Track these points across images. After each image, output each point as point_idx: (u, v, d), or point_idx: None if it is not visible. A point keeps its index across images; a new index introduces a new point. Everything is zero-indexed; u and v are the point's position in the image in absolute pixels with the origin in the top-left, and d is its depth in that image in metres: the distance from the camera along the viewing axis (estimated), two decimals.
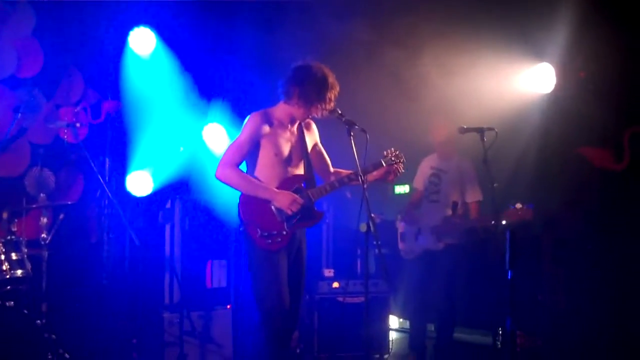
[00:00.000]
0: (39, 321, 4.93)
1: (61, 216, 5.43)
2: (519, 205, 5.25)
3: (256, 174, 4.51)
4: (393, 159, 4.63)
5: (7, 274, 5.01)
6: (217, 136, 6.76)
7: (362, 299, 5.58)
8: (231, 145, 4.53)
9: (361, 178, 4.34)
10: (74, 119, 6.14)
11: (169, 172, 6.63)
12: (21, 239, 5.18)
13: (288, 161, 4.54)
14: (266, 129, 4.47)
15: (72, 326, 5.72)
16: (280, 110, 4.55)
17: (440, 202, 5.98)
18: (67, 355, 4.97)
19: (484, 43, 6.01)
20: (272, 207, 4.44)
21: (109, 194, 5.65)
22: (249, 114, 4.54)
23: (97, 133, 6.50)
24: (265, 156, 4.49)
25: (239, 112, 6.52)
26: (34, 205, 5.58)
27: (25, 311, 4.93)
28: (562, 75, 6.14)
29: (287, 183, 4.51)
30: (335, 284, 6.47)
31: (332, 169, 4.82)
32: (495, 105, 5.98)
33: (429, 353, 6.19)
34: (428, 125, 6.08)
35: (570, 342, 5.87)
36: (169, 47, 6.61)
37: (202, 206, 6.80)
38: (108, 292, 6.25)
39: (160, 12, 6.57)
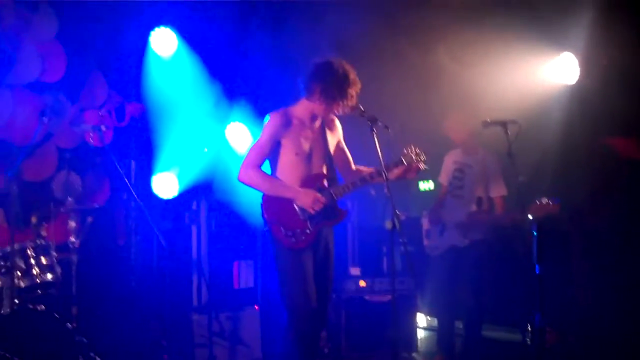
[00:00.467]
0: (69, 325, 4.98)
1: (89, 219, 5.47)
2: (545, 200, 5.19)
3: (278, 173, 4.52)
4: (413, 156, 4.60)
5: (38, 279, 5.06)
6: (241, 136, 6.78)
7: (389, 297, 5.55)
8: (252, 146, 4.55)
9: (385, 175, 4.32)
10: (99, 122, 6.17)
11: (194, 173, 6.66)
12: (50, 243, 5.22)
13: (309, 160, 4.53)
14: (286, 128, 4.46)
15: (102, 329, 5.76)
16: (302, 107, 4.54)
17: (465, 197, 5.93)
18: (98, 359, 5.01)
19: (505, 35, 5.93)
20: (295, 206, 4.44)
21: (136, 197, 5.68)
22: (270, 113, 4.55)
23: (122, 136, 6.55)
24: (286, 156, 4.49)
25: (262, 110, 6.52)
26: (62, 209, 5.62)
27: (56, 315, 4.97)
28: (585, 65, 6.05)
29: (309, 182, 4.51)
30: (362, 283, 6.45)
31: (354, 167, 4.80)
32: (518, 97, 5.91)
33: (457, 351, 6.13)
34: (445, 123, 6.01)
35: (601, 339, 5.77)
36: (190, 47, 6.64)
37: (227, 207, 6.83)
38: (137, 295, 6.30)
39: (181, 13, 6.60)
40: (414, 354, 6.43)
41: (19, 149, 5.87)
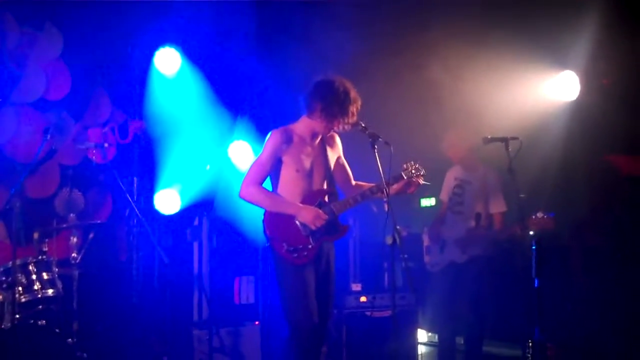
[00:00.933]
0: (70, 340, 4.99)
1: (91, 235, 5.51)
2: (540, 214, 5.20)
3: (279, 190, 4.54)
4: (413, 171, 4.63)
5: (39, 294, 5.10)
6: (243, 153, 6.81)
7: (390, 312, 5.55)
8: (253, 164, 4.57)
9: (386, 191, 4.34)
10: (102, 140, 6.25)
11: (196, 190, 6.69)
12: (52, 258, 5.26)
13: (310, 176, 4.56)
14: (287, 145, 4.49)
15: (103, 344, 5.77)
16: (302, 124, 4.58)
17: (464, 213, 5.94)
18: None
19: (506, 52, 5.99)
20: (297, 222, 4.47)
21: (138, 213, 5.71)
22: (271, 130, 4.58)
23: (125, 153, 6.60)
24: (287, 172, 4.51)
25: (264, 128, 6.57)
26: (64, 225, 5.67)
27: (57, 330, 5.00)
28: (585, 82, 6.09)
29: (310, 198, 4.53)
30: (363, 298, 6.45)
31: (353, 182, 4.82)
32: (519, 114, 5.95)
33: None
34: (443, 141, 6.03)
35: (601, 354, 5.76)
36: (193, 66, 6.69)
37: (229, 223, 6.85)
38: (138, 310, 6.31)
39: (184, 32, 6.66)
40: None
41: (23, 165, 5.92)
